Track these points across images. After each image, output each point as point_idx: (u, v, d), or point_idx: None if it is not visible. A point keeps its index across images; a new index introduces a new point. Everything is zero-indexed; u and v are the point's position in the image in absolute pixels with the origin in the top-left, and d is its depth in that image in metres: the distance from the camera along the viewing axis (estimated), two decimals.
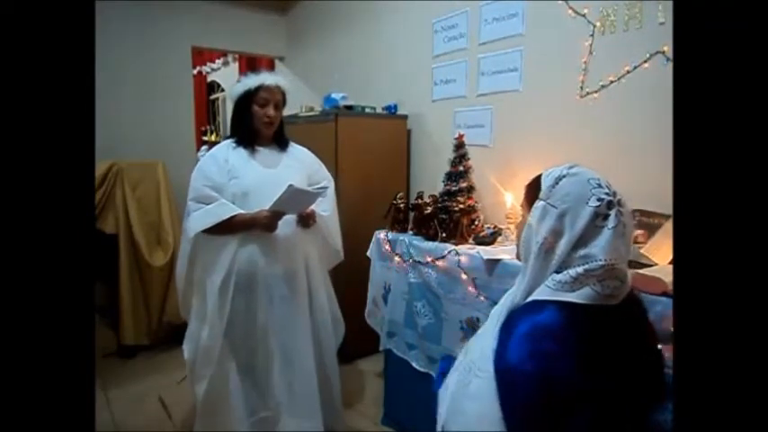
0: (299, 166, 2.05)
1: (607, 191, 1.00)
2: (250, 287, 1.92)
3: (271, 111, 1.96)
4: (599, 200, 0.98)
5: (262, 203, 1.85)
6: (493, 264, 1.86)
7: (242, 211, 1.86)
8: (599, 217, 0.98)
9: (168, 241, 3.29)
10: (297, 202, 1.89)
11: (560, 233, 1.01)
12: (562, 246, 1.01)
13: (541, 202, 1.05)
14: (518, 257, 1.13)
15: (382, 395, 2.52)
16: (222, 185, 1.90)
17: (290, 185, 1.76)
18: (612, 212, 0.98)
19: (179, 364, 2.90)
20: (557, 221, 1.02)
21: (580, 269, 0.98)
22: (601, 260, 0.97)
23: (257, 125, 1.97)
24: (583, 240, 0.99)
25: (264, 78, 1.95)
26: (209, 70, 7.02)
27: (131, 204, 3.17)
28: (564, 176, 1.04)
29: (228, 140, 2.02)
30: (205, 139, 6.46)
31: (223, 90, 7.14)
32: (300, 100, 3.28)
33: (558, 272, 1.01)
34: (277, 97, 1.97)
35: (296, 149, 2.12)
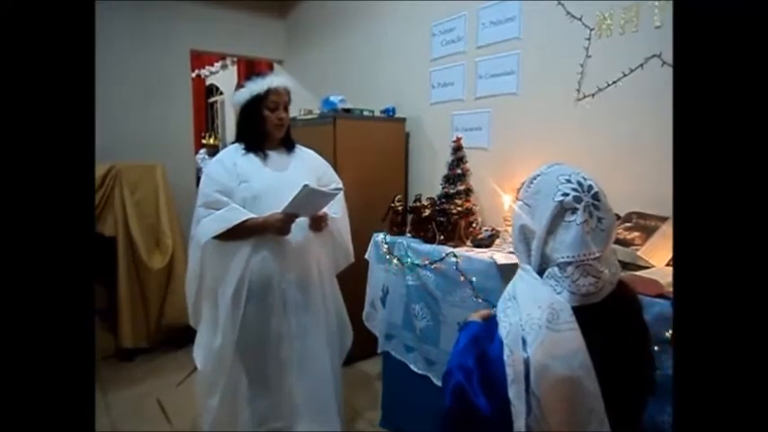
0: (307, 169, 2.02)
1: (576, 186, 0.98)
2: (263, 295, 1.88)
3: (281, 113, 1.94)
4: (564, 194, 0.97)
5: (272, 207, 1.82)
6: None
7: (253, 215, 1.82)
8: (566, 212, 0.97)
9: (167, 244, 3.28)
10: (311, 203, 1.86)
11: (533, 230, 1.03)
12: (535, 242, 1.02)
13: (519, 202, 1.08)
14: None
15: (381, 397, 2.52)
16: (232, 190, 1.86)
17: (306, 185, 1.73)
18: (581, 207, 0.96)
19: (178, 367, 2.91)
20: (530, 219, 1.03)
21: (555, 268, 0.98)
22: (565, 257, 0.96)
23: (270, 129, 1.94)
24: (552, 237, 0.99)
25: (272, 81, 1.92)
26: (207, 73, 7.02)
27: (130, 207, 3.17)
28: (539, 175, 1.05)
29: (235, 145, 1.99)
30: (204, 142, 6.45)
31: (222, 93, 7.15)
32: (299, 103, 3.28)
33: (544, 269, 1.02)
34: (285, 99, 1.95)
35: (303, 152, 2.10)
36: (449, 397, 1.04)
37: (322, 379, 1.97)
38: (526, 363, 0.93)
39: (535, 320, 0.94)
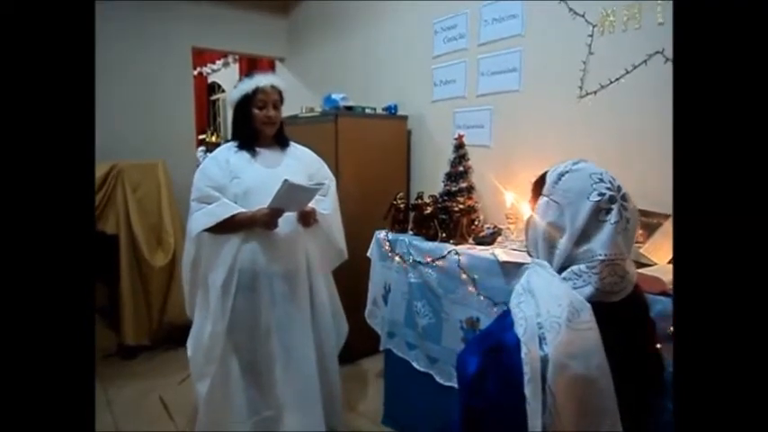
0: (300, 166, 2.06)
1: (609, 185, 0.99)
2: (252, 286, 1.94)
3: (270, 111, 1.98)
4: (600, 194, 0.98)
5: (263, 203, 1.86)
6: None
7: (243, 210, 1.89)
8: (601, 211, 0.98)
9: (169, 242, 3.29)
10: (295, 198, 1.89)
11: (562, 228, 1.02)
12: (564, 241, 1.01)
13: (545, 199, 1.07)
14: (529, 254, 1.15)
15: (382, 395, 2.52)
16: (224, 186, 1.93)
17: (286, 180, 1.77)
18: (615, 207, 0.98)
19: (180, 365, 2.91)
20: (558, 217, 1.03)
21: (582, 265, 0.98)
22: (600, 255, 0.97)
23: (258, 126, 1.99)
24: (585, 235, 0.99)
25: (259, 81, 1.97)
26: (209, 71, 7.02)
27: (132, 205, 3.17)
28: (567, 172, 1.05)
29: (230, 143, 2.05)
30: (203, 138, 6.43)
31: (224, 91, 7.15)
32: (301, 101, 3.29)
33: (564, 267, 1.02)
34: (274, 97, 1.99)
35: (297, 149, 2.14)
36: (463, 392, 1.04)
37: (306, 372, 2.00)
38: (543, 361, 0.92)
39: (555, 318, 0.94)
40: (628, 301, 1.01)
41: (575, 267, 1.00)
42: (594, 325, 0.93)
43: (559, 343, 0.92)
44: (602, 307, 0.96)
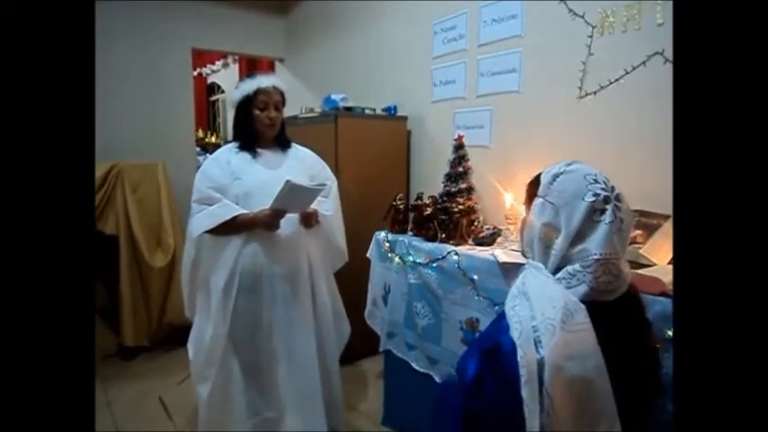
0: (301, 167, 2.06)
1: (604, 186, 1.00)
2: (253, 287, 1.93)
3: (272, 113, 1.98)
4: (595, 195, 0.99)
5: (264, 204, 1.86)
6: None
7: (244, 211, 1.88)
8: (596, 212, 0.99)
9: (168, 242, 3.29)
10: (297, 199, 1.89)
11: (558, 229, 1.02)
12: (560, 242, 1.01)
13: (540, 200, 1.07)
14: (524, 255, 1.15)
15: (382, 395, 2.52)
16: (225, 187, 1.92)
17: (288, 181, 1.76)
18: (609, 207, 0.98)
19: (180, 366, 2.92)
20: (554, 218, 1.03)
21: (577, 265, 0.98)
22: (595, 254, 0.97)
23: (260, 128, 1.99)
24: (580, 236, 0.99)
25: (260, 81, 1.97)
26: (209, 72, 7.03)
27: (132, 205, 3.17)
28: (561, 173, 1.05)
29: (231, 144, 2.04)
30: (200, 138, 6.41)
31: (223, 91, 7.16)
32: (300, 101, 3.29)
33: (560, 268, 1.02)
34: (276, 98, 1.99)
35: (298, 150, 2.13)
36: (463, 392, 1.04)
37: (307, 373, 2.00)
38: (540, 363, 0.93)
39: (549, 320, 0.94)
40: (623, 300, 1.01)
41: (569, 267, 1.00)
42: (589, 326, 0.94)
43: (555, 345, 0.92)
44: (596, 306, 0.97)
